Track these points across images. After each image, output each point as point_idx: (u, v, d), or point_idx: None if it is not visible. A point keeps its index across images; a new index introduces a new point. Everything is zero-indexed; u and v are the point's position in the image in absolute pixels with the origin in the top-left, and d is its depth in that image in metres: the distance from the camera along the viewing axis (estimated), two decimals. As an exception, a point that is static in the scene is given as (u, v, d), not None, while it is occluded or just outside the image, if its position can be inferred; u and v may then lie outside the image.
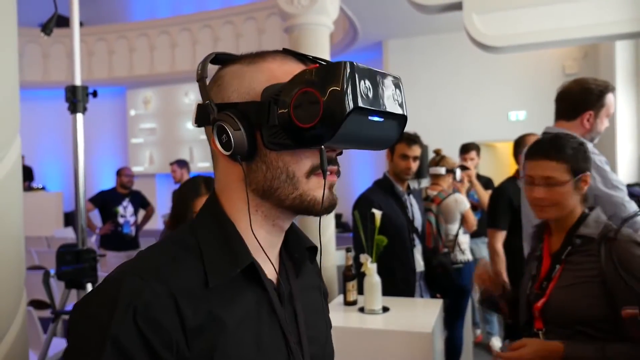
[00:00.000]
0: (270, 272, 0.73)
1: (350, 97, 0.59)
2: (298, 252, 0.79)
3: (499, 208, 2.94)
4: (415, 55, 7.22)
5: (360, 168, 7.88)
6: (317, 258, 0.82)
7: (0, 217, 1.34)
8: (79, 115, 1.96)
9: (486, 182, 4.44)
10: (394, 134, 0.69)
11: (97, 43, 9.36)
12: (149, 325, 0.58)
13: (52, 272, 1.94)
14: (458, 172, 3.43)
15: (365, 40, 7.13)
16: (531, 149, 1.51)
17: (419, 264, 2.76)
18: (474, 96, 6.91)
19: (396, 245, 2.59)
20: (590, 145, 2.04)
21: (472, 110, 6.91)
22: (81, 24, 1.98)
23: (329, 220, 3.69)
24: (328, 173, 0.66)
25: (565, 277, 1.44)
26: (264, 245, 0.70)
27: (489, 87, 6.84)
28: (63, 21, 1.93)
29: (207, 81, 0.70)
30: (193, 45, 8.96)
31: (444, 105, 7.02)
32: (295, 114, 0.61)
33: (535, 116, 6.25)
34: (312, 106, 0.60)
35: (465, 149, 4.46)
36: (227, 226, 0.69)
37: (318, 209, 0.68)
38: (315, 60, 0.70)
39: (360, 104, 0.59)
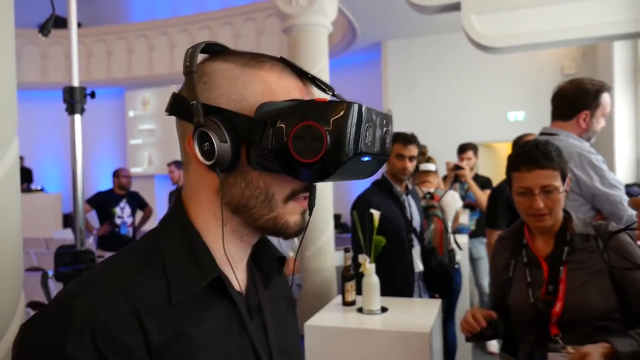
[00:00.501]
0: (239, 283, 0.70)
1: (353, 142, 0.57)
2: (267, 263, 0.76)
3: (498, 208, 2.94)
4: (414, 55, 7.22)
5: (359, 169, 7.88)
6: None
7: (-2, 218, 1.34)
8: (77, 116, 1.96)
9: (485, 182, 4.45)
10: (375, 169, 0.68)
11: (96, 44, 9.35)
12: (109, 345, 0.53)
13: (51, 273, 1.93)
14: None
15: (364, 41, 7.14)
16: (519, 161, 1.48)
17: (418, 265, 2.77)
18: (472, 96, 6.92)
19: (395, 246, 2.59)
20: (587, 145, 2.05)
21: (470, 111, 6.92)
22: (80, 25, 1.98)
23: (328, 222, 3.69)
24: (302, 198, 0.67)
25: (574, 276, 1.45)
26: (231, 258, 0.67)
27: (488, 87, 6.85)
28: (61, 22, 1.93)
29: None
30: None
31: (442, 105, 7.02)
32: (294, 145, 0.57)
33: (533, 116, 6.26)
34: (314, 142, 0.57)
35: (462, 148, 4.48)
36: (192, 236, 0.65)
37: (288, 233, 0.67)
38: (314, 80, 0.67)
39: (362, 149, 0.58)
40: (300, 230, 0.68)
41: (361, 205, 2.61)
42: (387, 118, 0.65)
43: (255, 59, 0.66)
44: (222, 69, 0.65)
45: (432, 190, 3.27)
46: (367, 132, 0.59)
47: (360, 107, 0.58)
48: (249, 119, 0.61)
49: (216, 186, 0.64)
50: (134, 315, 0.56)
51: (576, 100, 2.06)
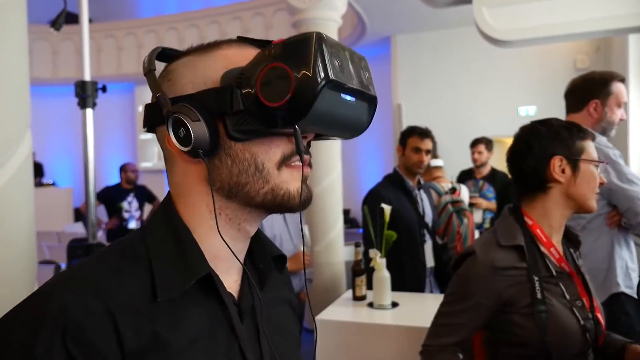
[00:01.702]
0: (232, 284, 0.67)
1: (321, 69, 0.54)
2: (263, 262, 0.72)
3: (510, 202, 2.92)
4: (424, 50, 7.17)
5: (368, 163, 7.86)
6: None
7: (12, 212, 1.35)
8: (89, 110, 1.97)
9: (503, 177, 4.40)
10: (365, 118, 0.64)
11: (106, 39, 9.40)
12: (80, 349, 0.50)
13: (63, 266, 1.95)
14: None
15: (374, 35, 7.10)
16: (583, 130, 1.30)
17: (429, 260, 2.75)
18: (483, 91, 6.86)
19: (406, 241, 2.59)
20: (604, 139, 2.02)
21: (481, 106, 6.86)
22: (90, 21, 1.99)
23: (337, 216, 3.69)
24: (299, 162, 0.61)
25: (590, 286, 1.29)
26: (224, 254, 0.63)
27: (499, 81, 6.79)
28: (72, 18, 1.93)
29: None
30: (201, 41, 8.73)
31: (452, 100, 6.97)
32: (263, 92, 0.54)
33: (545, 111, 6.19)
34: (282, 82, 0.54)
35: (474, 143, 4.46)
36: (181, 232, 0.62)
37: (294, 204, 0.61)
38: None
39: (332, 76, 0.54)
40: (308, 200, 0.62)
41: (372, 199, 2.61)
42: (357, 55, 0.62)
43: (211, 44, 0.66)
44: (183, 62, 0.65)
45: (450, 185, 3.25)
46: (335, 60, 0.56)
47: (320, 34, 0.56)
48: (215, 89, 0.59)
49: (204, 175, 0.61)
50: (109, 318, 0.53)
51: (585, 90, 2.05)
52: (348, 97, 0.59)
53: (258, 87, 0.55)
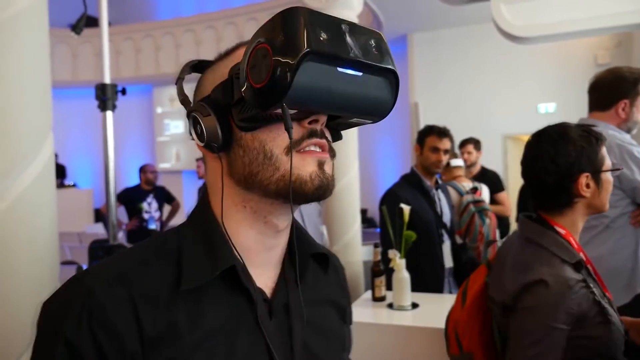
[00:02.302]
0: (267, 280, 0.66)
1: (299, 41, 0.51)
2: (301, 258, 0.69)
3: (530, 202, 2.88)
4: (441, 48, 7.11)
5: (385, 162, 7.83)
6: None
7: (36, 213, 1.37)
8: (109, 113, 1.99)
9: (493, 176, 4.34)
10: (386, 95, 0.60)
11: (124, 42, 9.51)
12: (103, 330, 0.54)
13: (85, 267, 1.98)
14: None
15: (390, 33, 7.06)
16: (599, 136, 1.28)
17: (448, 260, 2.73)
18: (502, 89, 6.78)
19: (424, 241, 2.57)
20: (627, 137, 1.98)
21: (500, 103, 6.78)
22: (109, 24, 2.01)
23: (354, 216, 3.68)
24: (317, 150, 0.60)
25: None
26: (256, 248, 0.64)
27: (518, 78, 6.70)
28: (91, 21, 1.96)
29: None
30: (217, 43, 9.03)
31: (470, 98, 6.90)
32: (252, 75, 0.54)
33: (565, 108, 6.09)
34: (264, 61, 0.53)
35: (463, 143, 4.42)
36: (211, 226, 0.63)
37: (307, 190, 0.58)
38: None
39: (314, 47, 0.51)
40: (322, 185, 0.59)
41: (390, 199, 2.59)
42: (365, 29, 0.58)
43: (233, 47, 0.68)
44: (209, 69, 0.69)
45: (476, 185, 3.22)
46: (321, 31, 0.53)
47: (299, 7, 0.54)
48: (221, 83, 0.61)
49: (226, 170, 0.63)
50: (130, 304, 0.56)
51: (614, 89, 1.99)
52: (350, 71, 0.56)
53: (247, 70, 0.55)
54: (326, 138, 0.62)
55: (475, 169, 4.33)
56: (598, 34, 4.84)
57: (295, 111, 0.58)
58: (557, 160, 1.25)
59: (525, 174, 1.36)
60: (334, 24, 0.55)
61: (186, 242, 0.62)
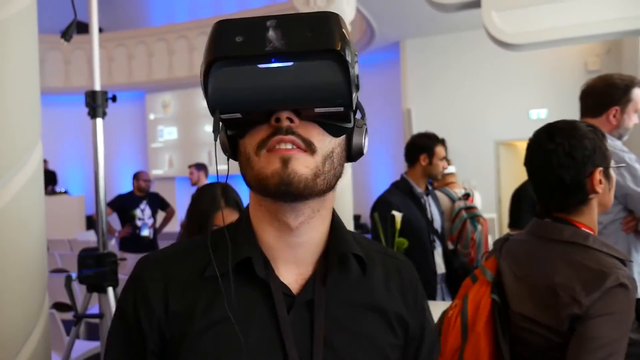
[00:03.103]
0: (295, 276, 0.67)
1: (208, 50, 0.58)
2: (330, 257, 0.68)
3: (522, 208, 2.89)
4: (433, 54, 7.16)
5: (378, 168, 7.85)
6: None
7: (23, 222, 1.36)
8: (99, 120, 1.98)
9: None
10: (332, 77, 0.57)
11: (117, 48, 9.50)
12: (141, 302, 0.67)
13: (74, 275, 1.96)
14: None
15: (382, 40, 7.10)
16: (603, 132, 1.27)
17: (440, 266, 2.73)
18: (493, 95, 6.83)
19: (417, 248, 2.56)
20: (619, 143, 1.99)
21: (491, 109, 6.82)
22: (101, 30, 2.00)
23: (347, 222, 3.67)
24: (284, 147, 0.60)
25: None
26: (278, 246, 0.67)
27: (509, 85, 6.75)
28: (83, 27, 1.95)
29: None
30: (210, 49, 9.05)
31: (462, 104, 6.94)
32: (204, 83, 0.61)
33: (556, 114, 6.10)
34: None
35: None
36: (243, 224, 0.69)
37: (269, 187, 0.60)
38: None
39: (220, 53, 0.57)
40: (282, 182, 0.59)
41: (382, 207, 2.59)
42: (290, 17, 0.58)
43: None
44: None
45: (468, 191, 3.22)
46: (234, 36, 0.57)
47: (222, 20, 0.60)
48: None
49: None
50: (163, 284, 0.67)
51: (605, 95, 2.00)
52: (274, 65, 0.57)
53: (202, 84, 0.61)
54: (298, 135, 0.61)
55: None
56: (588, 41, 4.89)
57: (238, 115, 0.61)
58: (574, 153, 1.18)
59: (536, 173, 1.27)
60: (257, 25, 0.58)
61: (222, 236, 0.67)
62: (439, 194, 3.03)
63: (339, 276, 0.69)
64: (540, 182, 1.26)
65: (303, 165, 0.61)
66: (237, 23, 0.59)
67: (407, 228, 2.49)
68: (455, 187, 3.28)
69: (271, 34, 0.57)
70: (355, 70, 0.59)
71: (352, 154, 0.68)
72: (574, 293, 1.09)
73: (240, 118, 0.62)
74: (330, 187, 0.65)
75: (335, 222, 0.71)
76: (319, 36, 0.56)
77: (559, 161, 1.19)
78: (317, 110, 0.60)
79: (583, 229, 1.20)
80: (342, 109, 0.60)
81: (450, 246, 2.90)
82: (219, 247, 0.67)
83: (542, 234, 1.24)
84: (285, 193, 0.61)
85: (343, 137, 0.66)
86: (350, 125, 0.65)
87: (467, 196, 3.14)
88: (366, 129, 0.68)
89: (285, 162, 0.60)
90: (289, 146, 0.60)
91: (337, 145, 0.65)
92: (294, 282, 0.67)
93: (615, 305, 1.09)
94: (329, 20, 0.58)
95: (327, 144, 0.63)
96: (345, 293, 0.69)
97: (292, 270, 0.68)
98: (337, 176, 0.66)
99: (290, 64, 0.57)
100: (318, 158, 0.62)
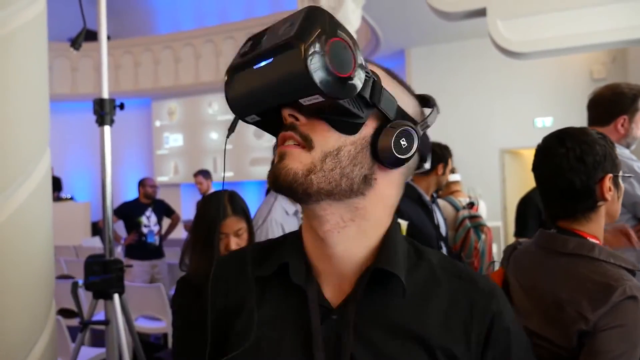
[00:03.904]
0: (336, 289, 0.65)
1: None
2: (368, 272, 0.64)
3: (528, 216, 2.88)
4: (438, 62, 7.17)
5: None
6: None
7: (31, 229, 1.36)
8: (107, 128, 1.99)
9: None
10: (296, 67, 0.54)
11: (124, 56, 9.57)
12: (213, 289, 0.72)
13: (80, 282, 1.96)
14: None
15: (388, 48, 7.12)
16: (611, 140, 1.25)
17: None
18: (498, 103, 6.82)
19: None
20: (627, 152, 1.99)
21: (496, 118, 6.82)
22: (108, 38, 2.01)
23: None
24: (287, 144, 0.61)
25: None
26: (316, 255, 0.65)
27: (514, 93, 6.74)
28: (91, 35, 1.97)
29: None
30: (216, 57, 9.09)
31: (468, 112, 6.94)
32: None
33: (562, 122, 6.07)
34: None
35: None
36: (299, 229, 0.71)
37: (268, 181, 0.62)
38: None
39: (232, 63, 0.63)
40: (273, 177, 0.60)
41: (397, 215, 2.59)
42: (279, 24, 0.60)
43: None
44: None
45: (472, 200, 3.21)
46: (242, 50, 0.63)
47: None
48: None
49: None
50: (226, 279, 0.73)
51: (613, 104, 2.00)
52: (262, 63, 0.59)
53: None
54: (298, 131, 0.60)
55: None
56: (594, 50, 4.89)
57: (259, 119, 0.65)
58: (586, 158, 1.16)
59: (545, 178, 1.24)
60: (258, 34, 0.62)
61: (280, 241, 0.73)
62: (443, 202, 3.02)
63: (381, 295, 0.64)
64: (549, 187, 1.23)
65: (297, 161, 0.60)
66: (254, 36, 0.62)
67: (419, 236, 2.49)
68: (460, 196, 3.28)
69: (264, 39, 0.60)
70: (343, 57, 0.55)
71: (379, 156, 0.61)
72: (581, 308, 1.07)
73: (264, 121, 0.65)
74: (342, 188, 0.61)
75: (389, 238, 0.66)
76: (289, 31, 0.56)
77: (570, 165, 1.17)
78: (305, 103, 0.58)
79: (589, 238, 1.17)
80: (322, 98, 0.56)
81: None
82: (274, 250, 0.71)
83: (547, 246, 1.22)
84: (276, 187, 0.61)
85: (362, 135, 0.61)
86: (359, 120, 0.60)
87: (471, 205, 3.13)
88: (413, 131, 0.62)
89: (282, 157, 0.61)
90: (290, 142, 0.61)
91: (349, 144, 0.60)
92: (334, 295, 0.65)
93: (624, 317, 1.06)
94: (301, 14, 0.57)
95: (332, 140, 0.60)
96: (383, 314, 0.64)
97: (334, 282, 0.66)
98: (350, 177, 0.61)
99: (268, 61, 0.58)
100: (316, 154, 0.60)
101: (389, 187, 0.65)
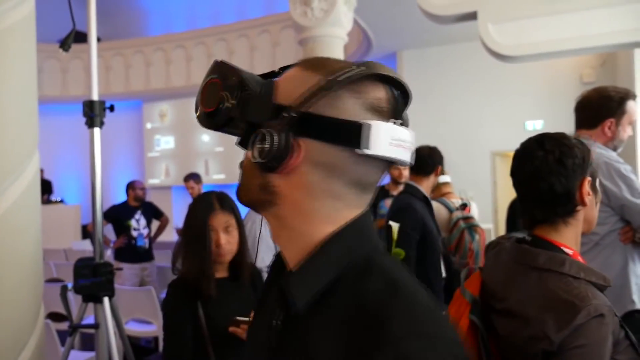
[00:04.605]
0: None
1: None
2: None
3: (519, 218, 2.90)
4: (429, 65, 7.20)
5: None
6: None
7: (19, 232, 1.35)
8: (96, 130, 1.97)
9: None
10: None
11: (115, 58, 9.52)
12: (256, 277, 0.82)
13: (70, 285, 1.94)
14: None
15: (379, 51, 7.14)
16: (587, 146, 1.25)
17: (442, 271, 2.76)
18: (490, 106, 6.86)
19: (433, 255, 2.58)
20: (614, 154, 2.01)
21: (488, 120, 6.86)
22: (99, 40, 2.00)
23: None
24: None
25: None
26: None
27: (505, 96, 6.79)
28: (81, 37, 1.95)
29: None
30: (208, 59, 9.07)
31: (459, 115, 6.97)
32: None
33: (552, 125, 6.17)
34: None
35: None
36: None
37: None
38: None
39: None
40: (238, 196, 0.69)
41: (410, 214, 2.55)
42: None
43: None
44: None
45: (465, 201, 3.22)
46: None
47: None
48: None
49: None
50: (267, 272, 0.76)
51: (600, 108, 2.02)
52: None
53: None
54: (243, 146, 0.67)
55: (402, 187, 4.29)
56: (583, 54, 4.93)
57: None
58: (565, 161, 1.16)
59: (524, 181, 1.23)
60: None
61: None
62: (436, 204, 3.03)
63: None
64: (528, 191, 1.22)
65: (240, 177, 0.70)
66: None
67: (429, 236, 2.52)
68: (452, 197, 3.28)
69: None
70: (209, 95, 0.65)
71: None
72: (545, 328, 1.05)
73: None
74: (252, 199, 0.65)
75: (316, 252, 0.61)
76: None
77: (549, 168, 1.16)
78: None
79: (563, 248, 1.16)
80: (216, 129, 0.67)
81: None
82: None
83: (518, 260, 1.19)
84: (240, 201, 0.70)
85: (253, 148, 0.61)
86: (239, 136, 0.66)
87: (464, 206, 3.14)
88: (266, 132, 0.60)
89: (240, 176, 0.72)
90: None
91: (246, 158, 0.66)
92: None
93: (587, 337, 1.04)
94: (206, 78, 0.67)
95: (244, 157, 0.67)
96: (319, 316, 0.59)
97: None
98: (250, 189, 0.65)
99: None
100: (241, 170, 0.68)
101: (294, 192, 0.62)
